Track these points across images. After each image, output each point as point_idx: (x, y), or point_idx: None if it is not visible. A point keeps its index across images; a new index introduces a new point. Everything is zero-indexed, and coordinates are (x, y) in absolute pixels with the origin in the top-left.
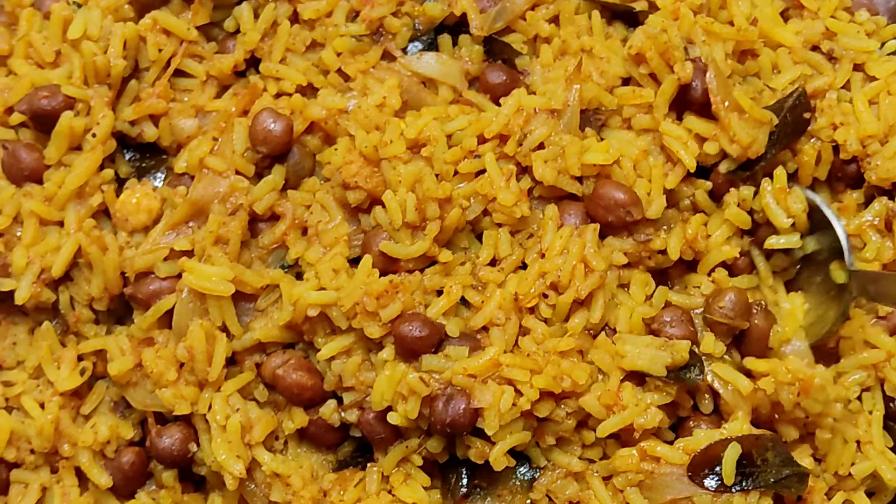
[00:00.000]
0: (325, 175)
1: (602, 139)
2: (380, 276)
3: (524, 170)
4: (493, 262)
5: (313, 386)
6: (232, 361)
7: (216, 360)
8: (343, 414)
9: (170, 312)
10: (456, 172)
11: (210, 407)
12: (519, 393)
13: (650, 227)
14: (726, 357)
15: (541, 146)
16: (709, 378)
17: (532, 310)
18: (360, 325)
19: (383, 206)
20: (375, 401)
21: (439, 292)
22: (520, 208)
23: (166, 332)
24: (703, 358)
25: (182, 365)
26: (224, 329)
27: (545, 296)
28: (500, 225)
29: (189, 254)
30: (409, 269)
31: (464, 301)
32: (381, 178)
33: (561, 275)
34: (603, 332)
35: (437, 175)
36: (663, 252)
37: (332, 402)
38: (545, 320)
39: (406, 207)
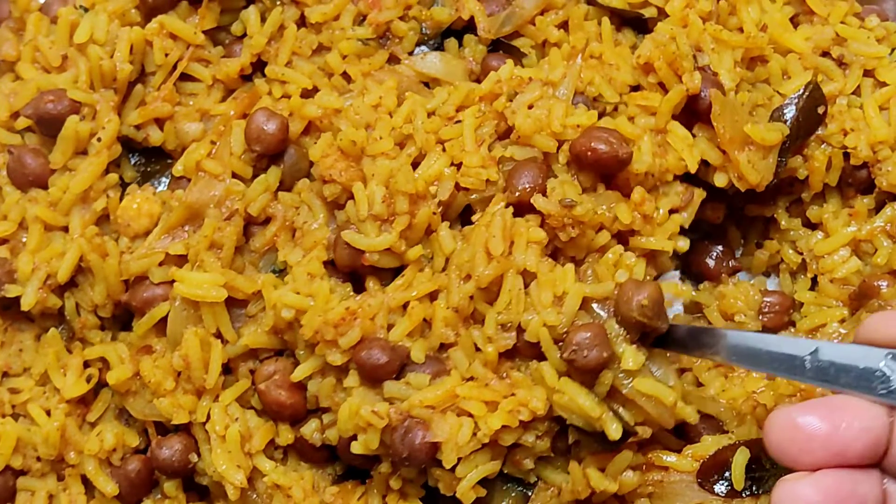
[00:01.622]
0: (312, 173)
1: None
2: (346, 271)
3: (505, 134)
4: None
5: (293, 405)
6: (228, 369)
7: (212, 368)
8: (325, 433)
9: (167, 319)
10: (446, 158)
11: (209, 417)
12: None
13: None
14: (648, 365)
15: (530, 108)
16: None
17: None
18: (322, 353)
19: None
20: (341, 428)
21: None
22: (487, 171)
23: (164, 340)
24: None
25: (180, 373)
26: (219, 335)
27: (472, 298)
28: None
29: (184, 258)
30: (373, 265)
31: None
32: (357, 173)
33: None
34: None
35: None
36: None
37: (313, 422)
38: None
39: (373, 199)
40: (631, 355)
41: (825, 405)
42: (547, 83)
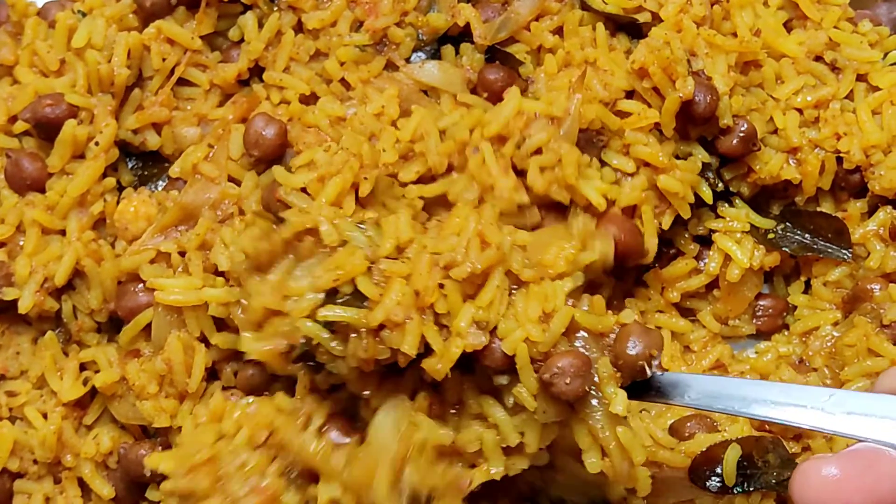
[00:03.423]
0: None
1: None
2: None
3: (518, 173)
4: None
5: None
6: (214, 371)
7: (195, 372)
8: None
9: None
10: (450, 167)
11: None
12: None
13: None
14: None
15: (538, 152)
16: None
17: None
18: None
19: None
20: None
21: None
22: (519, 195)
23: (152, 343)
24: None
25: (164, 377)
26: (204, 339)
27: (441, 286)
28: None
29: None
30: None
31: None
32: None
33: (455, 253)
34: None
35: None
36: None
37: None
38: (438, 320)
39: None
40: (621, 400)
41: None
42: (553, 118)
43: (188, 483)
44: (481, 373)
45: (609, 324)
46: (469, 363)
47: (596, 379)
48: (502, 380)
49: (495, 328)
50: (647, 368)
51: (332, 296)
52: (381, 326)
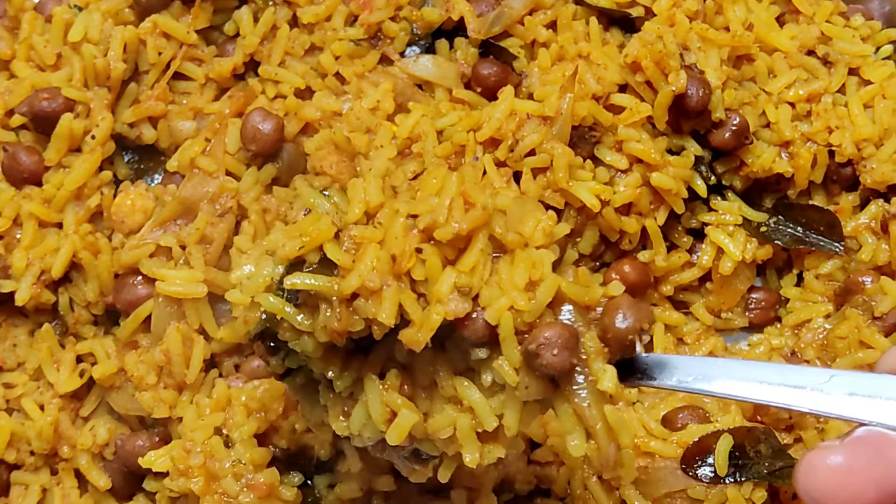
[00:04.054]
0: (307, 167)
1: (594, 158)
2: None
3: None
4: None
5: None
6: (213, 364)
7: (193, 363)
8: None
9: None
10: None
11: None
12: None
13: None
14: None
15: (531, 153)
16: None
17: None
18: None
19: None
20: None
21: None
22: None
23: (151, 335)
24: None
25: (163, 369)
26: (203, 332)
27: (419, 251)
28: None
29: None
30: None
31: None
32: (348, 168)
33: (437, 214)
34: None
35: (426, 169)
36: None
37: None
38: (415, 288)
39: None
40: (610, 376)
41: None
42: (545, 118)
43: (183, 485)
44: (455, 351)
45: (596, 296)
46: (441, 341)
47: (583, 355)
48: (481, 353)
49: (476, 296)
50: (637, 343)
51: (294, 267)
52: (355, 295)
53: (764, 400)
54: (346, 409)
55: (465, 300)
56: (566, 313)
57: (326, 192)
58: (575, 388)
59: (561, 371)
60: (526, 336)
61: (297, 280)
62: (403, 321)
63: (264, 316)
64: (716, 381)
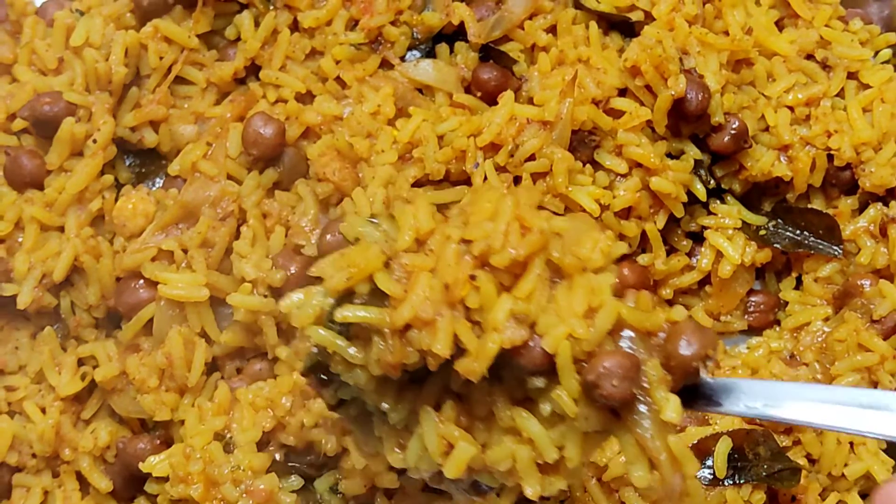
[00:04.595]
0: (310, 173)
1: (594, 163)
2: None
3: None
4: None
5: None
6: (215, 367)
7: (195, 366)
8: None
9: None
10: (447, 173)
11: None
12: None
13: None
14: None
15: (531, 158)
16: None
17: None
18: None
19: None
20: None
21: None
22: None
23: (152, 338)
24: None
25: (164, 371)
26: (204, 335)
27: (472, 277)
28: None
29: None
30: None
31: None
32: (350, 174)
33: (492, 239)
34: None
35: (427, 175)
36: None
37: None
38: (469, 316)
39: (375, 199)
40: (674, 405)
41: None
42: (545, 123)
43: (182, 491)
44: (511, 381)
45: (659, 321)
46: (497, 370)
47: (644, 383)
48: (538, 382)
49: (533, 324)
50: (701, 371)
51: (344, 298)
52: (408, 326)
53: (850, 430)
54: (401, 441)
55: (521, 328)
56: (626, 340)
57: (375, 220)
58: (637, 417)
59: (622, 402)
60: (585, 365)
61: (349, 313)
62: (458, 350)
63: (315, 349)
64: (787, 406)
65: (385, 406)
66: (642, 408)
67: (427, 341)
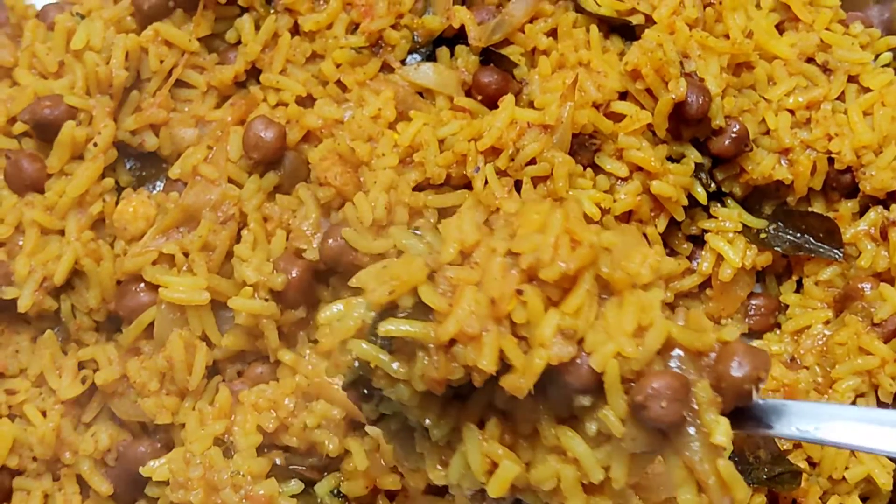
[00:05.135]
0: (310, 177)
1: (595, 166)
2: (325, 268)
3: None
4: None
5: None
6: (216, 370)
7: (196, 370)
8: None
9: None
10: (448, 177)
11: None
12: None
13: None
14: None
15: (532, 162)
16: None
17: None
18: None
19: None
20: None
21: None
22: None
23: (153, 342)
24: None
25: (165, 375)
26: (205, 339)
27: (519, 292)
28: None
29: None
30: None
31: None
32: (352, 179)
33: (541, 253)
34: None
35: (428, 179)
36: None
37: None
38: (515, 331)
39: (376, 204)
40: (724, 429)
41: None
42: (546, 127)
43: (182, 497)
44: (557, 399)
45: (710, 341)
46: (543, 388)
47: (694, 405)
48: (584, 401)
49: (581, 340)
50: (753, 393)
51: (387, 312)
52: (453, 341)
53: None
54: (443, 457)
55: (569, 344)
56: (676, 360)
57: (418, 231)
58: (685, 439)
59: (670, 424)
60: (633, 384)
61: (392, 327)
62: (504, 366)
63: (357, 363)
64: (841, 429)
65: (428, 422)
66: (691, 430)
67: (472, 357)
